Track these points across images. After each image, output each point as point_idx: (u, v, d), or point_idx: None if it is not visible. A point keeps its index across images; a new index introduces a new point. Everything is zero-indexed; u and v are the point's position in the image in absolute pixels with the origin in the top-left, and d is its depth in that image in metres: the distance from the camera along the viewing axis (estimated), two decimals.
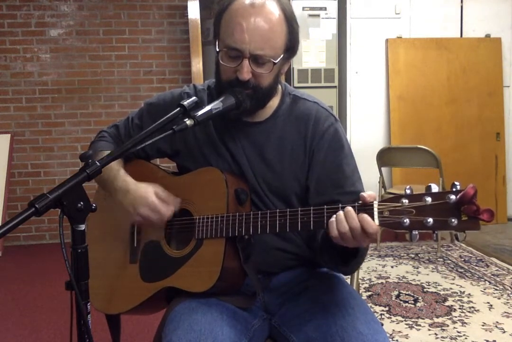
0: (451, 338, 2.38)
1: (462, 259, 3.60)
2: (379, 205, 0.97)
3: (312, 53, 4.34)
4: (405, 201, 0.94)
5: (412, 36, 4.53)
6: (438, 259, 3.62)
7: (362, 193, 1.00)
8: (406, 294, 2.96)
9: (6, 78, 4.40)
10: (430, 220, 0.92)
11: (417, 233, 0.95)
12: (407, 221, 0.94)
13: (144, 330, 2.53)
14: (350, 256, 1.11)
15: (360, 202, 1.00)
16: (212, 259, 1.18)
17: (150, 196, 1.22)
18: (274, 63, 1.16)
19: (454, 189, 0.92)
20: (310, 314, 1.19)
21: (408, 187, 0.96)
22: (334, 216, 1.01)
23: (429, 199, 0.92)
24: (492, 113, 4.61)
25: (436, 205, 0.92)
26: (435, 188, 0.93)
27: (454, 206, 0.91)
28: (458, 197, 0.90)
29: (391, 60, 4.51)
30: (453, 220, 0.91)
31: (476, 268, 3.41)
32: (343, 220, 0.99)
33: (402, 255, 3.76)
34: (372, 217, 0.97)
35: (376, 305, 2.80)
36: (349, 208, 1.00)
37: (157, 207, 1.22)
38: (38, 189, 4.42)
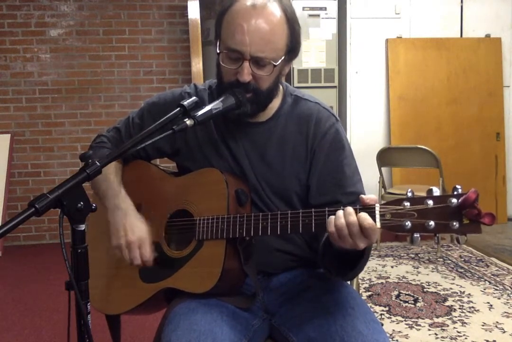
0: (451, 338, 2.38)
1: (462, 259, 3.60)
2: (381, 208, 0.98)
3: (312, 53, 4.34)
4: (407, 203, 0.95)
5: (412, 36, 4.53)
6: (438, 259, 3.62)
7: (362, 195, 1.01)
8: (406, 294, 2.96)
9: (6, 78, 4.40)
10: (432, 223, 0.92)
11: (418, 235, 0.95)
12: (409, 224, 0.94)
13: (144, 330, 2.53)
14: (350, 264, 1.11)
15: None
16: (212, 260, 1.18)
17: (143, 229, 1.24)
18: (275, 66, 1.16)
19: (455, 192, 0.92)
20: (310, 314, 1.19)
21: (409, 189, 0.96)
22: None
23: (430, 202, 0.93)
24: (492, 113, 4.61)
25: (437, 208, 0.92)
26: (436, 191, 0.94)
27: (455, 209, 0.91)
28: (460, 201, 0.90)
29: (391, 60, 4.51)
30: (454, 223, 0.91)
31: (476, 268, 3.40)
32: (342, 216, 0.99)
33: (402, 255, 3.76)
34: (374, 219, 0.97)
35: (376, 305, 2.80)
36: (350, 208, 1.00)
37: (135, 246, 1.23)
38: (38, 189, 4.42)
